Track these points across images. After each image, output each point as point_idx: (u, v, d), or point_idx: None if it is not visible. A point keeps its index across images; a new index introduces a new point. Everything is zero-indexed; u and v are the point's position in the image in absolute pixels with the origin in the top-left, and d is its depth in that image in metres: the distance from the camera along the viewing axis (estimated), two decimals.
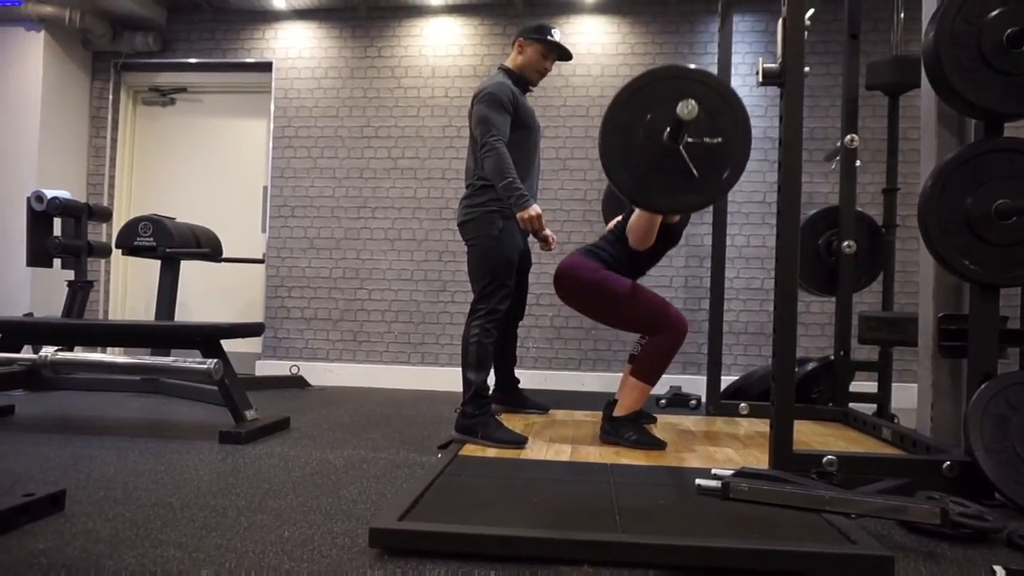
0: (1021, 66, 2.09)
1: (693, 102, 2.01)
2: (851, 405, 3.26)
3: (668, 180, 2.18)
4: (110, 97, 5.05)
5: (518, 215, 2.63)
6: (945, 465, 2.06)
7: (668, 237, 2.74)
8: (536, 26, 2.89)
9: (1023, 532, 1.66)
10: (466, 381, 2.65)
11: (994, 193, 2.11)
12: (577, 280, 2.67)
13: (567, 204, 4.58)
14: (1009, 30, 2.07)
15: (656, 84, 2.19)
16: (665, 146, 2.16)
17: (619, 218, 2.86)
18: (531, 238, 2.93)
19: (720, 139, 2.16)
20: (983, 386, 2.07)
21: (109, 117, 5.06)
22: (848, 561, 1.44)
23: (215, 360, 2.63)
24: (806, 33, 2.23)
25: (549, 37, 2.87)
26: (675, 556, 1.47)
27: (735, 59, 4.33)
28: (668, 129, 2.13)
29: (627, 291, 2.61)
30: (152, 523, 1.69)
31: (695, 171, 2.15)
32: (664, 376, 4.37)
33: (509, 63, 2.91)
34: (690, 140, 2.15)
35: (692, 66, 2.25)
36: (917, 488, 1.99)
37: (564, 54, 2.93)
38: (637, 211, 2.62)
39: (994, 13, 2.10)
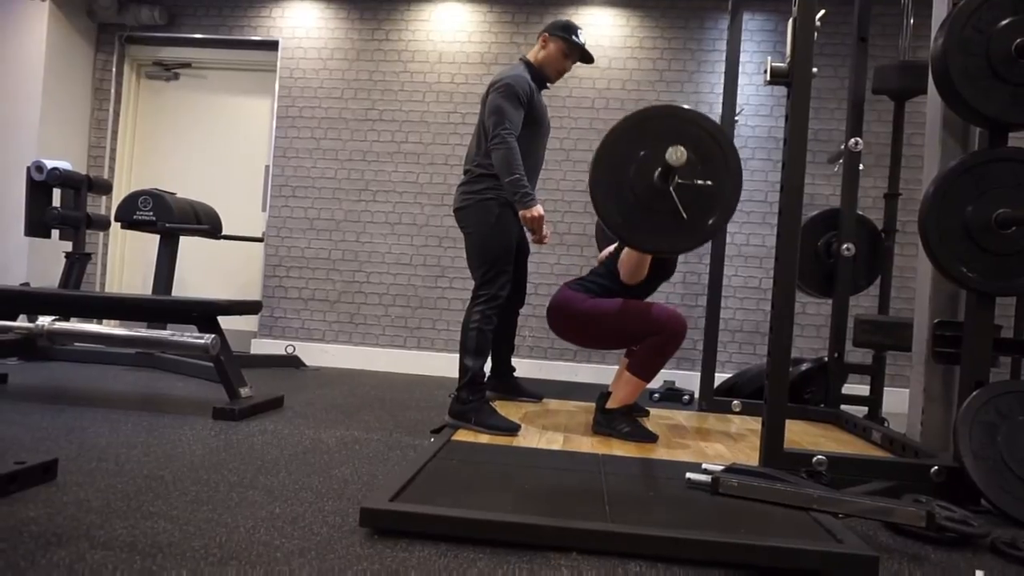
0: None
1: (682, 149, 2.01)
2: (843, 407, 3.28)
3: (656, 221, 2.20)
4: (113, 70, 5.03)
5: (521, 213, 2.63)
6: (933, 470, 2.08)
7: (662, 270, 2.77)
8: (564, 24, 2.88)
9: (1007, 538, 1.68)
10: (463, 366, 2.66)
11: (995, 202, 2.12)
12: (566, 312, 2.70)
13: (569, 195, 4.58)
14: (1018, 40, 2.07)
15: (650, 122, 2.19)
16: (655, 186, 2.16)
17: (611, 248, 2.87)
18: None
19: (711, 182, 2.17)
20: (974, 393, 2.09)
21: (112, 90, 5.03)
22: (834, 559, 1.45)
23: (212, 335, 2.63)
24: (815, 34, 2.23)
25: (574, 37, 2.86)
26: (663, 547, 1.48)
27: (743, 57, 4.32)
28: (659, 170, 2.14)
29: (616, 308, 2.63)
30: (144, 495, 1.70)
31: (684, 214, 2.15)
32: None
33: (531, 56, 2.90)
34: (680, 182, 2.15)
35: (687, 106, 2.25)
36: (904, 491, 2.01)
37: (586, 57, 2.93)
38: (626, 249, 2.63)
39: (1004, 22, 2.10)
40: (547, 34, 2.87)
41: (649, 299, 2.81)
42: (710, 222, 2.19)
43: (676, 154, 2.00)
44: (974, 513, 1.84)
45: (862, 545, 1.51)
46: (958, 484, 2.04)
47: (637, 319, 2.59)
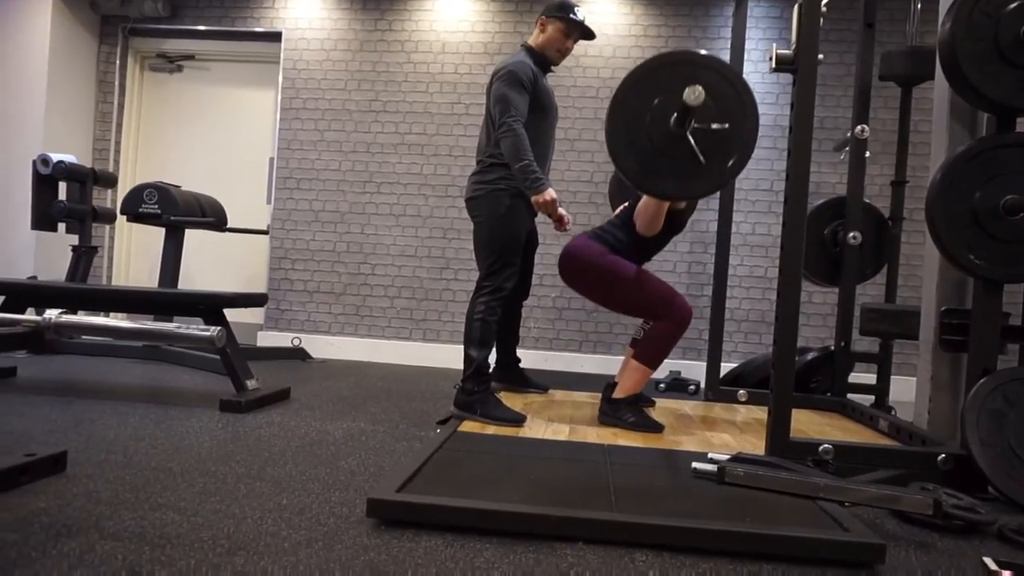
0: None
1: (700, 88, 1.99)
2: (849, 396, 3.27)
3: (674, 166, 2.18)
4: (117, 62, 5.03)
5: (533, 198, 2.62)
6: (940, 458, 2.07)
7: (674, 224, 2.74)
8: (559, 3, 2.84)
9: (1014, 526, 1.68)
10: (467, 358, 2.66)
11: (1003, 188, 2.10)
12: (581, 262, 2.67)
13: (574, 185, 4.56)
14: None
15: (665, 69, 2.17)
16: (672, 132, 2.14)
17: (626, 204, 2.85)
18: (539, 217, 2.92)
19: (727, 125, 2.15)
20: (982, 381, 2.08)
21: (116, 82, 5.03)
22: (840, 547, 1.45)
23: (218, 328, 2.64)
24: (821, 20, 2.21)
25: (572, 15, 2.83)
26: (669, 536, 1.48)
27: (748, 44, 4.29)
28: (675, 115, 2.12)
29: (632, 276, 2.61)
30: (152, 486, 1.71)
31: (701, 158, 2.14)
32: (664, 361, 4.40)
33: (531, 41, 2.87)
34: (697, 126, 2.13)
35: (703, 51, 2.23)
36: (911, 479, 2.01)
37: (587, 34, 2.89)
38: (645, 197, 2.61)
39: (1012, 6, 2.07)
40: (544, 17, 2.84)
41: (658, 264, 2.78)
42: (728, 165, 2.17)
43: (694, 94, 1.98)
44: (981, 501, 1.84)
45: (868, 533, 1.51)
46: (965, 472, 2.04)
47: (653, 293, 2.59)
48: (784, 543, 1.46)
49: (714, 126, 2.14)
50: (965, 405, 2.07)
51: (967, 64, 2.11)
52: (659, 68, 2.18)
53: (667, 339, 2.58)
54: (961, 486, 1.98)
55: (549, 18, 2.83)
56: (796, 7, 2.20)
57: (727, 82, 2.16)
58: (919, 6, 3.47)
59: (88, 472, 1.80)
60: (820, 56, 2.23)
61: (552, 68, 2.90)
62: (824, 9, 2.23)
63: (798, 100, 2.18)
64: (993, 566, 1.48)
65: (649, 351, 2.60)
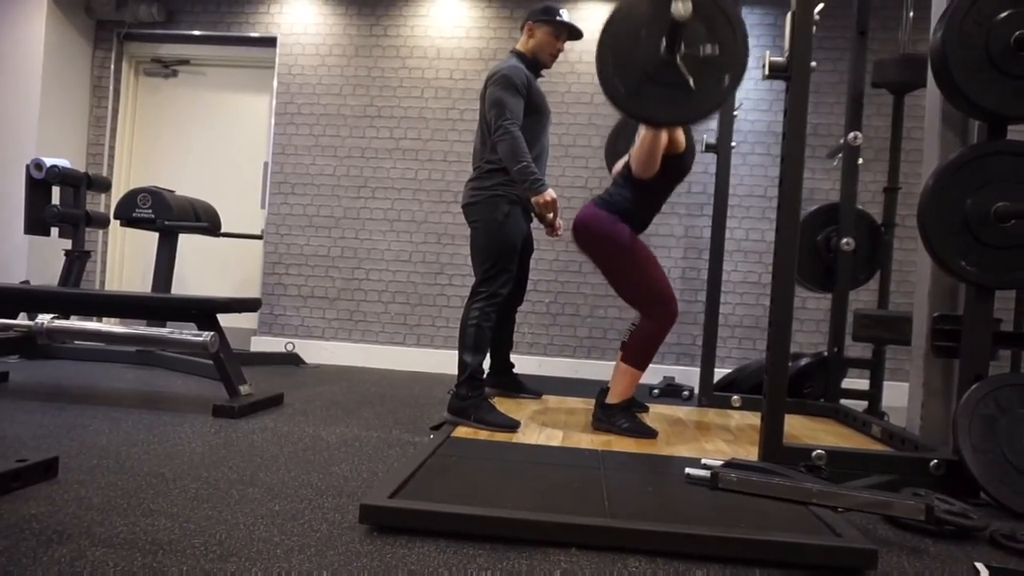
0: None
1: (688, 1, 1.97)
2: (842, 401, 3.28)
3: (665, 92, 2.13)
4: (112, 67, 5.02)
5: (533, 200, 2.63)
6: (932, 463, 2.08)
7: (676, 168, 2.70)
8: (544, 7, 2.87)
9: (1006, 531, 1.68)
10: (462, 363, 2.66)
11: (994, 195, 2.12)
12: (591, 232, 2.67)
13: (568, 191, 4.57)
14: (1017, 32, 2.07)
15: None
16: (662, 59, 2.12)
17: (625, 158, 2.83)
18: (534, 223, 2.92)
19: (718, 51, 2.12)
20: (973, 386, 2.09)
21: (111, 87, 5.02)
22: (833, 553, 1.46)
23: (211, 333, 2.63)
24: (814, 28, 2.22)
25: (558, 18, 2.86)
26: (662, 542, 1.48)
27: None
28: (664, 40, 2.10)
29: (634, 249, 2.61)
30: (144, 492, 1.70)
31: (691, 80, 2.11)
32: (658, 367, 4.41)
33: (520, 47, 2.89)
34: (687, 52, 2.10)
35: None
36: (904, 485, 2.02)
37: (575, 33, 2.91)
38: (639, 137, 2.60)
39: (1003, 15, 2.09)
40: (532, 22, 2.86)
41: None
42: (718, 90, 2.15)
43: (683, 7, 1.96)
44: (973, 506, 1.84)
45: (860, 538, 1.51)
46: (957, 477, 2.05)
47: (652, 283, 2.60)
48: (777, 548, 1.46)
49: (704, 51, 2.11)
50: (957, 411, 2.08)
51: (958, 72, 2.13)
52: None
53: (652, 339, 2.59)
54: (953, 491, 1.99)
55: (537, 23, 2.85)
56: (789, 15, 2.21)
57: (715, 6, 2.13)
58: (911, 14, 3.49)
59: (80, 478, 1.79)
60: (813, 64, 2.24)
61: (542, 73, 2.92)
62: (817, 17, 2.24)
63: (791, 107, 2.20)
64: (985, 571, 1.49)
65: (636, 352, 2.61)
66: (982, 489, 1.97)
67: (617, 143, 3.55)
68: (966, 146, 2.39)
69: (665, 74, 2.12)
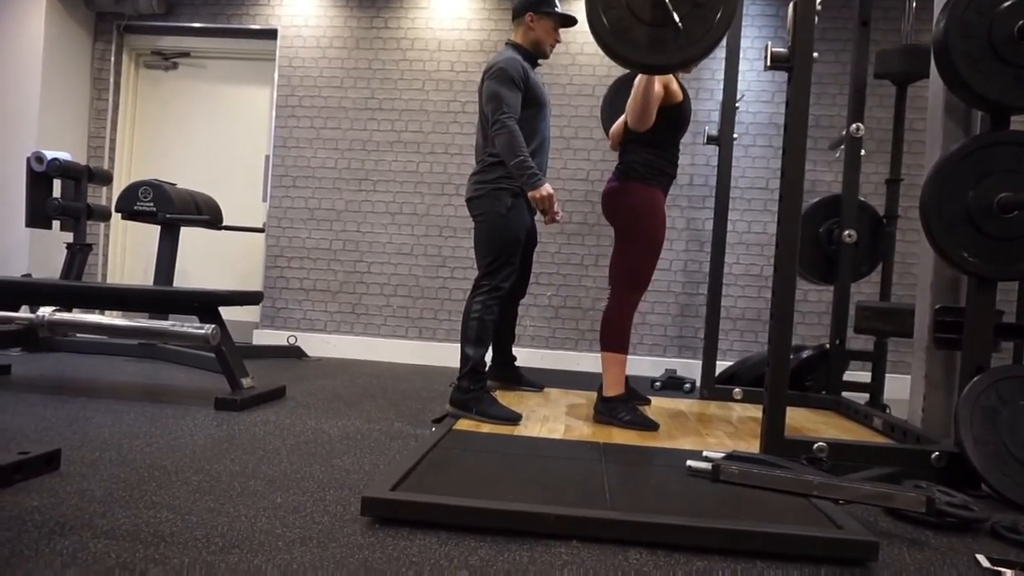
0: None
1: None
2: (844, 394, 3.28)
3: (653, 33, 2.09)
4: (112, 59, 5.00)
5: (530, 194, 2.63)
6: (934, 455, 2.08)
7: (677, 119, 2.69)
8: None
9: (1007, 523, 1.68)
10: (464, 356, 2.66)
11: (997, 186, 2.11)
12: (618, 203, 2.70)
13: (570, 184, 4.56)
14: (1020, 22, 2.05)
15: None
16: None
17: (622, 118, 2.82)
18: (537, 216, 2.92)
19: None
20: (975, 379, 2.08)
21: (111, 79, 5.01)
22: (834, 545, 1.46)
23: (212, 325, 2.64)
24: (816, 18, 2.21)
25: (557, 9, 2.85)
26: (663, 534, 1.48)
27: (744, 43, 4.29)
28: None
29: (648, 236, 2.65)
30: (146, 485, 1.71)
31: (677, 19, 2.06)
32: (660, 359, 4.41)
33: (519, 39, 2.87)
34: None
35: None
36: (906, 477, 2.02)
37: (568, 21, 2.91)
38: (632, 91, 2.59)
39: (1006, 4, 2.08)
40: (532, 12, 2.84)
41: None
42: (707, 32, 2.11)
43: None
44: (975, 498, 1.85)
45: (862, 531, 1.51)
46: (959, 469, 2.05)
47: (642, 259, 2.65)
48: (778, 540, 1.46)
49: None
50: (959, 403, 2.08)
51: (961, 62, 2.11)
52: None
53: (619, 320, 2.64)
54: (955, 483, 1.99)
55: (537, 14, 2.83)
56: (791, 5, 2.20)
57: None
58: (914, 4, 3.47)
59: (82, 470, 1.79)
60: (815, 54, 2.23)
61: (540, 62, 2.92)
62: (819, 7, 2.23)
63: (793, 98, 2.19)
64: (986, 563, 1.49)
65: (612, 336, 2.65)
66: (983, 481, 1.97)
67: (614, 101, 3.54)
68: (969, 137, 2.39)
69: (653, 13, 2.08)
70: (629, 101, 2.62)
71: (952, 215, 2.14)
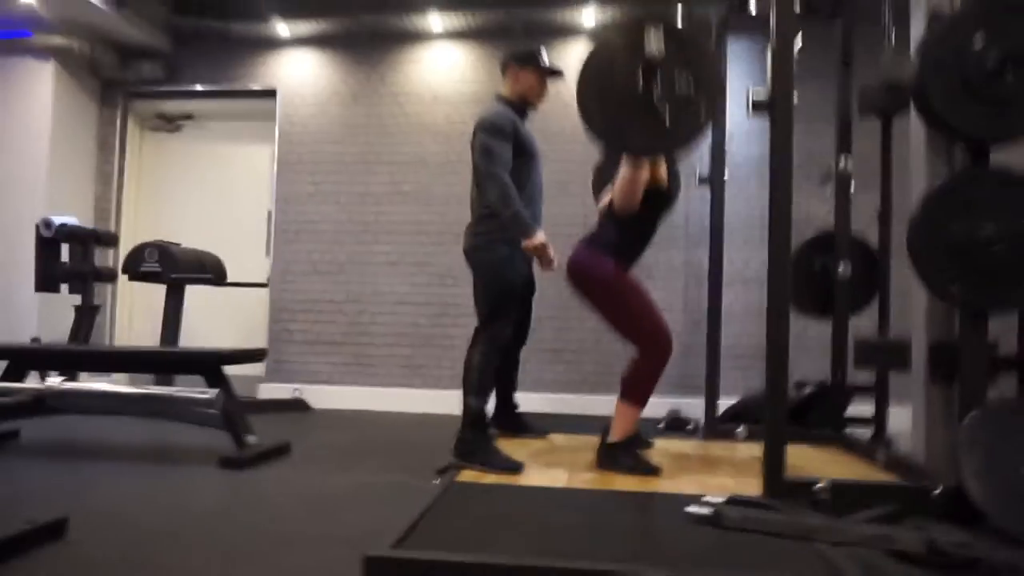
0: (1003, 93, 2.13)
1: (662, 38, 2.03)
2: (849, 428, 3.27)
3: (642, 125, 2.18)
4: (118, 124, 5.15)
5: (523, 244, 2.68)
6: (936, 492, 2.07)
7: (660, 201, 2.73)
8: (527, 53, 2.92)
9: (1011, 559, 1.67)
10: (466, 406, 2.68)
11: (980, 221, 2.14)
12: (580, 273, 2.71)
13: (566, 229, 4.58)
14: (992, 58, 2.11)
15: (633, 33, 2.20)
16: (640, 94, 2.17)
17: (609, 193, 2.87)
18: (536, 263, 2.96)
19: (692, 89, 2.16)
20: (972, 413, 2.09)
21: (117, 144, 5.15)
22: None
23: (216, 391, 2.67)
24: (797, 58, 2.27)
25: (543, 64, 2.92)
26: None
27: (731, 83, 4.38)
28: (641, 74, 2.15)
29: (619, 282, 2.64)
30: (152, 549, 1.72)
31: (667, 116, 2.15)
32: (663, 399, 4.40)
33: (505, 92, 2.95)
34: (662, 88, 2.15)
35: (677, 22, 2.27)
36: (908, 514, 2.01)
37: (557, 73, 2.98)
38: (619, 173, 2.63)
39: (979, 43, 2.14)
40: (516, 66, 2.91)
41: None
42: (693, 125, 2.19)
43: (656, 43, 2.01)
44: (978, 534, 1.84)
45: (860, 575, 1.51)
46: (962, 505, 2.03)
47: (631, 305, 2.63)
48: None
49: (679, 87, 2.16)
50: (957, 437, 2.08)
51: (937, 99, 2.17)
52: (628, 32, 2.20)
53: (647, 375, 2.61)
54: (958, 519, 1.98)
55: (522, 67, 2.91)
56: (769, 50, 2.27)
57: (691, 46, 2.18)
58: (894, 41, 3.55)
59: (88, 538, 1.81)
60: (795, 99, 2.29)
61: (528, 113, 2.97)
62: (797, 56, 2.30)
63: (775, 143, 2.25)
64: None
65: (634, 390, 2.62)
66: (985, 516, 1.96)
67: (603, 175, 3.60)
68: (951, 168, 2.43)
69: (642, 107, 2.18)
70: (616, 185, 2.68)
71: (938, 250, 2.17)
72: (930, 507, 2.05)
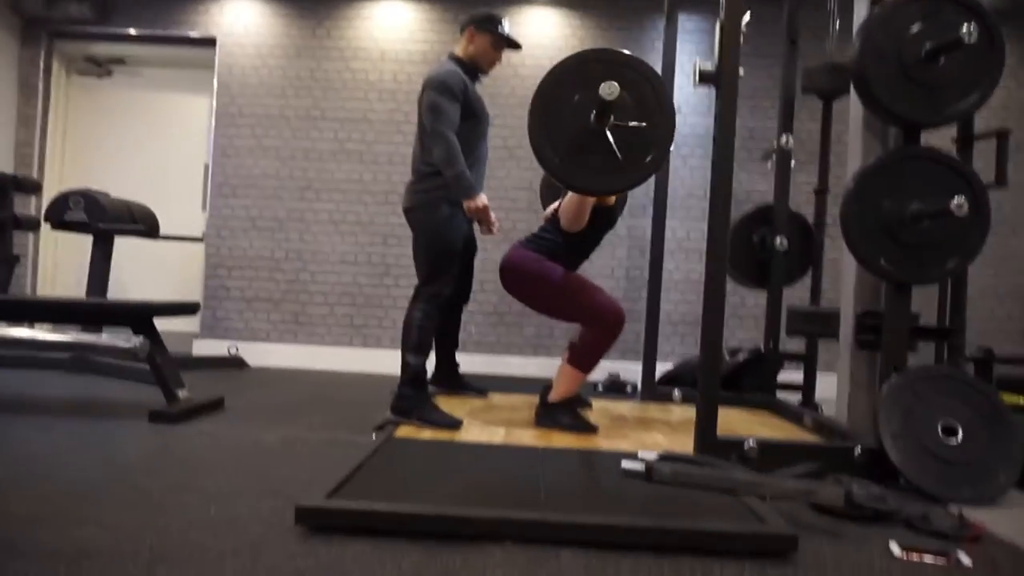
0: (938, 79, 2.21)
1: (615, 84, 2.02)
2: (779, 394, 3.40)
3: (594, 161, 2.18)
4: (41, 65, 4.84)
5: (465, 205, 2.65)
6: (856, 452, 2.18)
7: (605, 219, 2.78)
8: (486, 16, 2.88)
9: (921, 513, 1.77)
10: (405, 363, 2.67)
11: (909, 198, 2.23)
12: (518, 273, 2.71)
13: (512, 193, 4.61)
14: (928, 45, 2.18)
15: (585, 66, 2.19)
16: (592, 128, 2.18)
17: (557, 203, 2.89)
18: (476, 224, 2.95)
19: (645, 124, 2.19)
20: (892, 378, 2.20)
21: (40, 87, 4.85)
22: (756, 539, 1.52)
23: (140, 338, 2.58)
24: (744, 36, 2.30)
25: (500, 29, 2.87)
26: (594, 534, 1.52)
27: (681, 57, 4.40)
28: (594, 111, 2.15)
29: (565, 283, 2.66)
30: (73, 502, 1.66)
31: (619, 154, 2.17)
32: (602, 363, 4.48)
33: (459, 52, 2.89)
34: (616, 124, 2.16)
35: (625, 51, 2.26)
36: (830, 473, 2.10)
37: (513, 45, 2.94)
38: (568, 194, 2.65)
39: (915, 28, 2.20)
40: (473, 27, 2.87)
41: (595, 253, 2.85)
42: (646, 161, 2.20)
43: (609, 88, 2.02)
44: (893, 490, 1.94)
45: (783, 525, 1.58)
46: (880, 464, 2.15)
47: (585, 302, 2.63)
48: (704, 537, 1.52)
49: (632, 124, 2.18)
50: (877, 401, 2.18)
51: (875, 82, 2.23)
52: (580, 65, 2.20)
53: (598, 346, 2.63)
54: (876, 477, 2.09)
55: (479, 30, 2.86)
56: (718, 24, 2.29)
57: (646, 82, 2.19)
58: (838, 24, 3.64)
59: (4, 489, 1.74)
60: (741, 71, 2.32)
61: (480, 78, 2.93)
62: (745, 30, 2.32)
63: (720, 113, 2.27)
64: (898, 551, 1.57)
65: (582, 356, 2.65)
66: (901, 474, 2.07)
67: (552, 182, 3.59)
68: (885, 148, 2.52)
69: (594, 143, 2.17)
70: (564, 204, 2.70)
71: (869, 225, 2.25)
72: (852, 467, 2.16)
